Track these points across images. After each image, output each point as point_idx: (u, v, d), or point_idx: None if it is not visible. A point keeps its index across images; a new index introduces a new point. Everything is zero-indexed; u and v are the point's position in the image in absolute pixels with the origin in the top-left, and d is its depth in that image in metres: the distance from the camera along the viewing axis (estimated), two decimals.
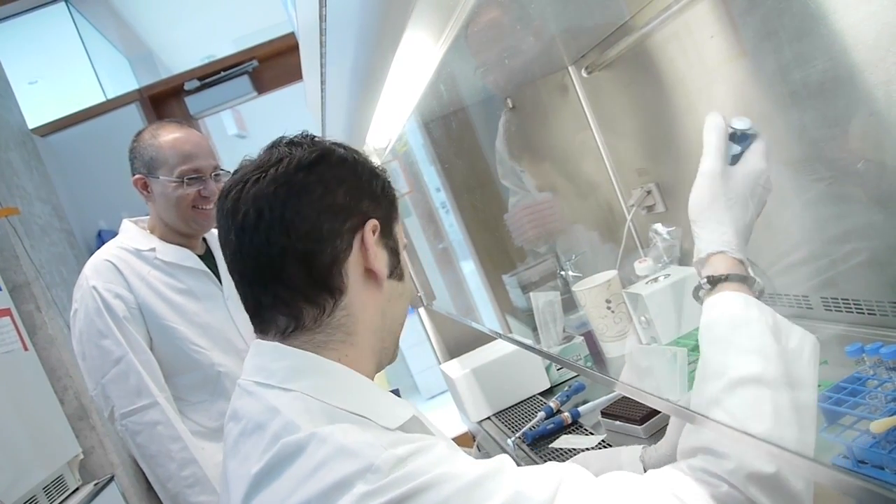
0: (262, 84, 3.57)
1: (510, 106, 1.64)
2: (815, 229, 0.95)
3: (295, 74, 3.14)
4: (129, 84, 4.08)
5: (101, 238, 3.21)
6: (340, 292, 0.81)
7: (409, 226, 2.66)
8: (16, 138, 3.03)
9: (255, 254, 0.80)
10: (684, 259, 1.11)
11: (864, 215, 0.86)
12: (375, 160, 0.91)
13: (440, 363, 2.54)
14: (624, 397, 1.53)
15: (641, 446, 1.15)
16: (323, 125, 2.02)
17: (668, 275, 1.05)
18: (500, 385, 1.93)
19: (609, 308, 1.10)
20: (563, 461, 1.44)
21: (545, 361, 1.95)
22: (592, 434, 1.57)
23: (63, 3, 3.82)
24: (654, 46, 1.12)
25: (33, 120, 3.28)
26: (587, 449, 1.47)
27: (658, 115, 1.20)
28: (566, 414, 1.66)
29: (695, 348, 0.95)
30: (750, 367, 0.68)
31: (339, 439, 0.70)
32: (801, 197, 0.95)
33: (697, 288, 0.80)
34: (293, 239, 0.79)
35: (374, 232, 0.84)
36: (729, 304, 0.75)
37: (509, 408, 1.91)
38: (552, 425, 1.62)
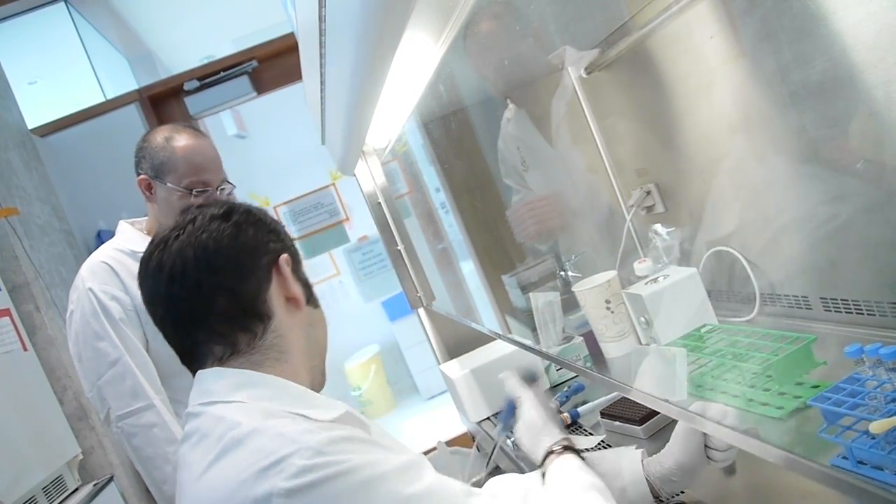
0: (262, 84, 3.57)
1: (510, 106, 1.64)
2: (814, 229, 0.95)
3: (294, 75, 3.14)
4: (129, 84, 4.09)
5: (101, 238, 3.21)
6: (268, 317, 0.93)
7: (409, 226, 2.66)
8: (15, 138, 3.03)
9: (188, 297, 0.90)
10: (684, 260, 1.11)
11: (863, 215, 0.86)
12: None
13: (440, 363, 2.54)
14: (623, 398, 1.53)
15: (640, 450, 1.15)
16: (322, 125, 2.02)
17: (668, 275, 1.05)
18: (499, 385, 1.93)
19: (609, 308, 1.10)
20: None
21: (545, 362, 1.95)
22: (592, 434, 1.57)
23: (62, 4, 3.82)
24: (654, 47, 1.12)
25: (33, 120, 3.28)
26: (587, 449, 1.47)
27: (658, 116, 1.20)
28: (566, 414, 1.67)
29: (695, 349, 0.96)
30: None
31: (279, 429, 0.79)
32: (801, 197, 0.95)
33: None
34: (220, 277, 0.90)
35: (287, 265, 0.96)
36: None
37: None
38: None
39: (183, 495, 0.86)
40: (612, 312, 1.10)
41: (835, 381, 0.68)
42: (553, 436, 1.07)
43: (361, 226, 5.36)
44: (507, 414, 1.20)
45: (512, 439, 1.23)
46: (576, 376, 1.92)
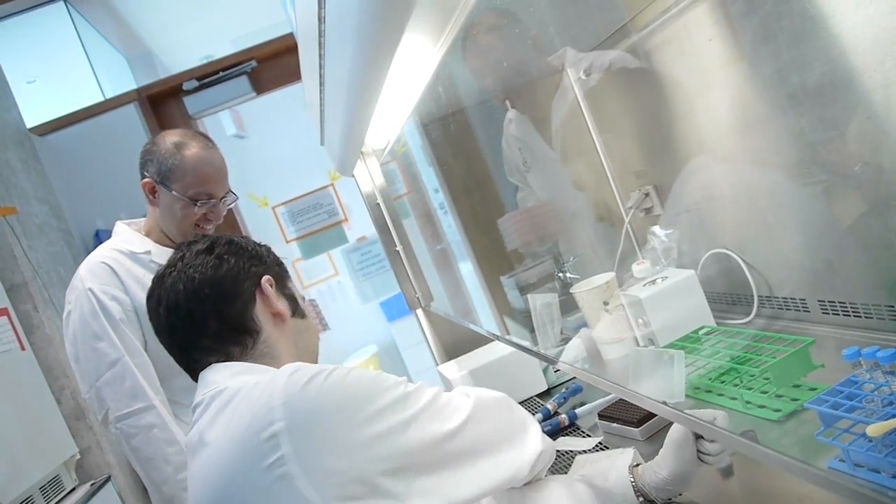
0: (261, 84, 3.56)
1: (509, 107, 1.64)
2: (812, 232, 0.96)
3: (294, 75, 3.14)
4: (128, 84, 4.08)
5: (99, 238, 3.21)
6: (257, 332, 1.06)
7: (408, 227, 2.66)
8: (14, 137, 3.03)
9: (183, 325, 1.04)
10: (682, 261, 1.11)
11: (861, 218, 0.86)
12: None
13: (438, 364, 2.54)
14: (621, 399, 1.53)
15: (633, 451, 1.15)
16: (322, 126, 2.02)
17: (666, 277, 1.05)
18: (497, 387, 1.90)
19: (607, 310, 1.10)
20: (561, 463, 1.44)
21: (542, 363, 1.95)
22: (589, 436, 1.57)
23: (62, 3, 3.82)
24: (653, 49, 1.12)
25: (31, 119, 3.27)
26: (584, 451, 1.47)
27: (656, 118, 1.21)
28: (563, 416, 1.67)
29: (692, 351, 0.96)
30: None
31: (265, 376, 0.94)
32: (799, 200, 0.95)
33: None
34: (207, 305, 1.03)
35: (271, 285, 1.09)
36: None
37: None
38: (549, 427, 1.62)
39: (206, 449, 0.93)
40: (611, 314, 1.10)
41: (832, 384, 0.68)
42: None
43: (360, 226, 5.36)
44: None
45: None
46: (573, 378, 1.92)
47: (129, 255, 1.66)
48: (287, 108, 4.79)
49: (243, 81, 3.50)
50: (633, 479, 1.10)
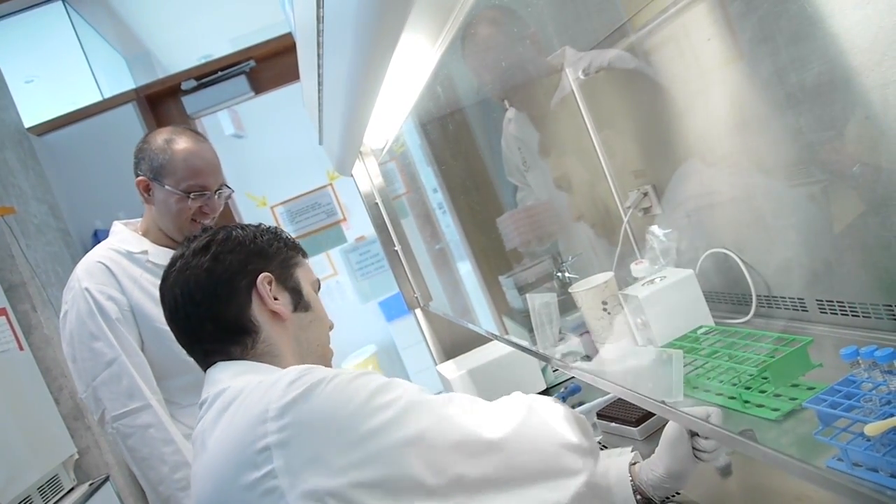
0: (260, 84, 3.56)
1: (507, 107, 1.64)
2: (810, 232, 0.96)
3: (292, 74, 3.13)
4: (126, 83, 4.08)
5: (97, 237, 3.21)
6: (256, 332, 1.04)
7: (406, 227, 2.66)
8: (12, 137, 3.02)
9: (183, 325, 1.05)
10: (680, 261, 1.11)
11: (859, 218, 0.86)
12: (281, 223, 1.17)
13: (436, 364, 2.54)
14: (620, 399, 1.53)
15: (634, 452, 1.15)
16: (320, 126, 2.02)
17: (665, 277, 1.05)
18: (496, 386, 1.93)
19: (605, 310, 1.10)
20: None
21: (541, 363, 1.95)
22: None
23: (60, 2, 3.81)
24: (651, 49, 1.12)
25: (29, 119, 3.27)
26: None
27: (655, 118, 1.21)
28: None
29: (691, 350, 0.96)
30: None
31: (264, 378, 0.93)
32: (797, 199, 0.95)
33: None
34: (202, 308, 1.03)
35: (269, 283, 1.06)
36: None
37: None
38: None
39: (206, 451, 0.94)
40: (609, 314, 1.10)
41: (830, 384, 0.68)
42: None
43: (359, 226, 5.36)
44: None
45: None
46: (572, 377, 1.92)
47: (126, 255, 1.66)
48: (285, 107, 4.79)
49: (242, 81, 3.50)
50: (630, 478, 1.10)
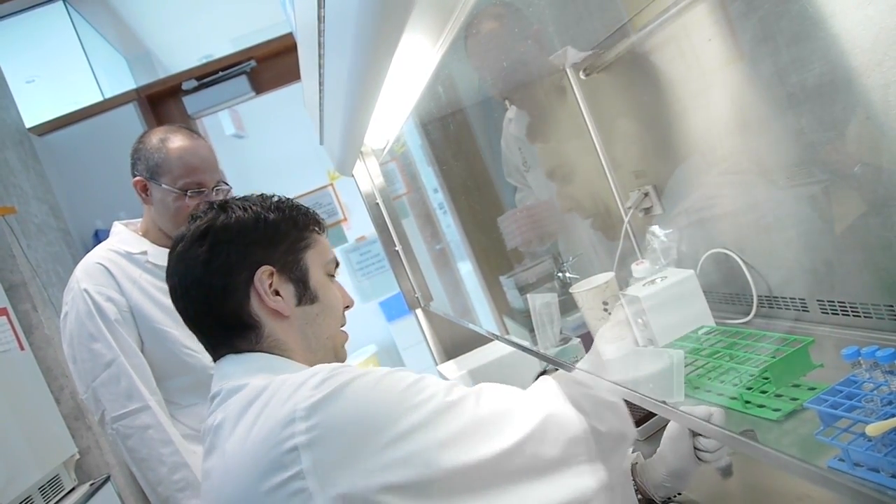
0: (260, 84, 3.56)
1: (508, 107, 1.64)
2: (811, 232, 0.96)
3: (293, 75, 3.14)
4: (127, 83, 4.08)
5: (98, 237, 3.21)
6: (258, 328, 0.98)
7: (407, 227, 2.66)
8: (13, 137, 3.02)
9: (185, 316, 1.00)
10: (681, 261, 1.11)
11: (860, 219, 0.86)
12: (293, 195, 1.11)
13: (437, 364, 2.54)
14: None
15: (635, 453, 1.15)
16: (321, 126, 2.02)
17: (665, 277, 1.05)
18: None
19: (606, 310, 1.10)
20: None
21: (542, 363, 1.95)
22: None
23: (61, 2, 3.81)
24: (652, 49, 1.12)
25: (30, 119, 3.27)
26: None
27: (655, 118, 1.21)
28: None
29: (692, 351, 0.96)
30: None
31: (290, 375, 0.89)
32: (798, 200, 0.95)
33: None
34: (198, 304, 0.97)
35: (270, 276, 0.98)
36: None
37: None
38: None
39: (223, 452, 0.90)
40: (610, 314, 1.10)
41: (831, 384, 0.68)
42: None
43: (359, 226, 5.36)
44: None
45: None
46: None
47: (126, 256, 1.66)
48: (286, 107, 4.79)
49: (242, 81, 3.50)
50: (632, 478, 1.10)
